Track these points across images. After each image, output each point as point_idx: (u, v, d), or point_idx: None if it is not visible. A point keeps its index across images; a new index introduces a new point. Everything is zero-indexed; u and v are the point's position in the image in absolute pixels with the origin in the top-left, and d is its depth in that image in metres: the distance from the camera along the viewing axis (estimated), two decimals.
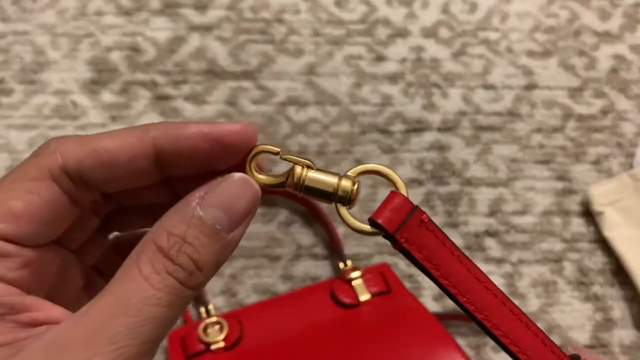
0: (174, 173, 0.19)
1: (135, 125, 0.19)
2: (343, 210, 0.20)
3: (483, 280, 0.19)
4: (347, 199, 0.20)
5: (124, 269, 0.17)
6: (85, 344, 0.15)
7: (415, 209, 0.19)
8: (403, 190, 0.20)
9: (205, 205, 0.17)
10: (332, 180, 0.20)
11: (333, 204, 0.20)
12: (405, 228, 0.19)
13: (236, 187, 0.18)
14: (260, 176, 0.20)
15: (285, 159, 0.21)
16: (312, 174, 0.20)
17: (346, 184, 0.20)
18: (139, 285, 0.16)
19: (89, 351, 0.15)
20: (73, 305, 0.18)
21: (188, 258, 0.17)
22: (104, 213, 0.21)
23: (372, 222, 0.20)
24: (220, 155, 0.19)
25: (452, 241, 0.19)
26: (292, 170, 0.20)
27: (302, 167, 0.20)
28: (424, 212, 0.19)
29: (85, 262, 0.21)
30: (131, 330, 0.16)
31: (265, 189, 0.21)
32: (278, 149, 0.21)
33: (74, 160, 0.17)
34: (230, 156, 0.19)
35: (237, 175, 0.19)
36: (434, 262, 0.19)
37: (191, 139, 0.18)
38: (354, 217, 0.20)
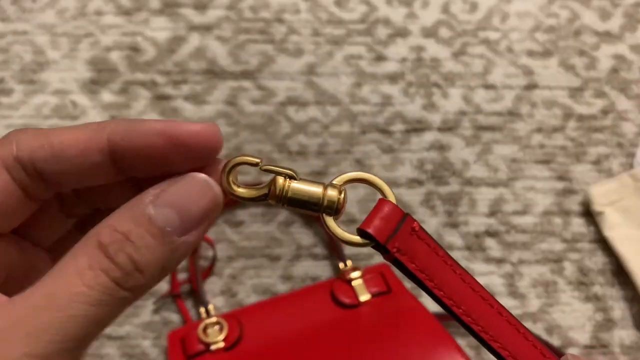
0: (134, 173, 0.18)
1: (88, 123, 0.18)
2: (330, 221, 0.19)
3: (478, 290, 0.18)
4: (334, 209, 0.19)
5: (61, 262, 0.16)
6: (3, 335, 0.15)
7: (405, 216, 0.19)
8: (391, 197, 0.19)
9: (158, 204, 0.16)
10: (317, 190, 0.19)
11: (319, 215, 0.19)
12: (396, 237, 0.18)
13: (194, 187, 0.17)
14: (240, 189, 0.19)
15: (266, 170, 0.19)
16: (296, 184, 0.19)
17: (332, 193, 0.19)
18: (70, 280, 0.15)
19: (6, 342, 0.15)
20: None
21: (127, 258, 0.16)
22: (77, 214, 0.21)
23: (361, 232, 0.19)
24: (178, 156, 0.17)
25: (444, 249, 0.18)
26: (273, 181, 0.19)
27: (285, 177, 0.19)
28: (415, 220, 0.19)
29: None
30: (54, 325, 0.15)
31: (246, 201, 0.19)
32: (257, 160, 0.19)
33: (27, 151, 0.17)
34: (191, 158, 0.18)
35: (197, 175, 0.17)
36: (428, 273, 0.18)
37: (145, 136, 0.17)
38: (342, 227, 0.19)
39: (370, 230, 0.18)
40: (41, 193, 0.18)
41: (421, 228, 0.18)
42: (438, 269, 0.18)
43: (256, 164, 0.19)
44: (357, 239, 0.19)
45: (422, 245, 0.18)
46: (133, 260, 0.16)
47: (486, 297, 0.18)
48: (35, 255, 0.20)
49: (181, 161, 0.17)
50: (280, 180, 0.19)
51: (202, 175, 0.17)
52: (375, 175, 0.20)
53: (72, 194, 0.20)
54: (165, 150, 0.17)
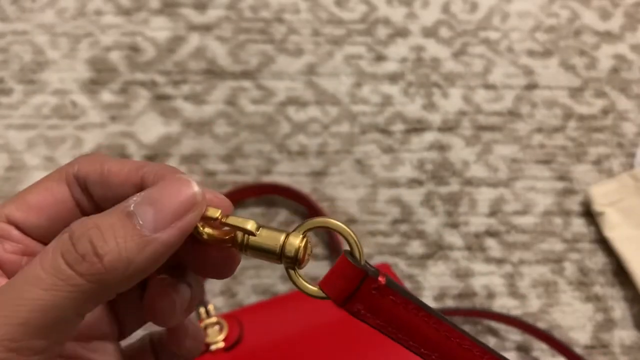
0: None
1: (131, 160, 0.20)
2: (292, 272, 0.18)
3: (455, 336, 0.18)
4: (295, 259, 0.18)
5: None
6: None
7: (365, 277, 0.17)
8: (357, 248, 0.18)
9: (139, 202, 0.17)
10: (276, 241, 0.18)
11: (282, 265, 0.19)
12: (357, 298, 0.17)
13: (172, 184, 0.17)
14: (207, 230, 0.19)
15: (226, 224, 0.18)
16: (254, 239, 0.18)
17: (292, 241, 0.18)
18: (32, 264, 0.16)
19: None
20: None
21: (87, 241, 0.15)
22: None
23: (321, 289, 0.18)
24: None
25: (416, 301, 0.18)
26: (234, 233, 0.19)
27: (243, 233, 0.18)
28: (380, 276, 0.17)
29: None
30: (9, 307, 0.15)
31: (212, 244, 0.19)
32: (217, 214, 0.18)
33: (84, 171, 0.19)
34: None
35: (178, 174, 0.18)
36: (395, 326, 0.17)
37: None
38: (305, 279, 0.19)
39: (326, 291, 0.18)
40: (92, 213, 0.19)
41: (387, 284, 0.17)
42: (407, 321, 0.18)
43: (215, 219, 0.18)
44: (319, 292, 0.18)
45: (386, 301, 0.17)
46: (93, 244, 0.15)
47: (465, 343, 0.18)
48: None
49: None
50: (239, 235, 0.18)
51: (183, 175, 0.18)
52: (340, 223, 0.18)
53: None
54: None
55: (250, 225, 0.19)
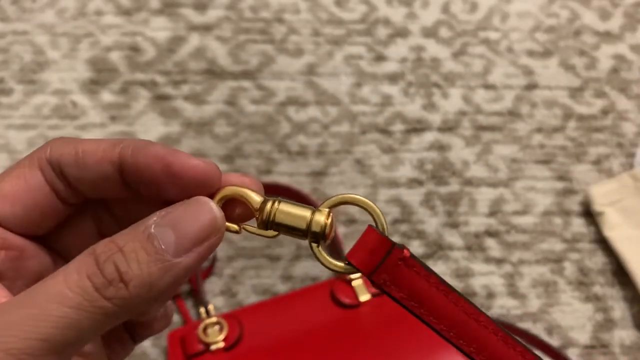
0: (142, 190, 0.19)
1: (109, 139, 0.19)
2: (315, 248, 0.19)
3: (472, 312, 0.18)
4: (321, 235, 0.19)
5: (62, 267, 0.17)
6: None
7: (392, 248, 0.18)
8: (381, 222, 0.19)
9: (159, 224, 0.17)
10: (304, 214, 0.19)
11: (307, 241, 0.19)
12: (383, 268, 0.18)
13: (193, 208, 0.17)
14: (238, 210, 0.19)
15: (248, 231, 0.19)
16: (283, 206, 0.19)
17: (319, 218, 0.19)
18: (55, 281, 0.16)
19: None
20: None
21: (114, 267, 0.16)
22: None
23: (347, 261, 0.19)
24: (173, 184, 0.18)
25: (437, 275, 0.18)
26: (262, 206, 0.19)
27: (272, 202, 0.19)
28: (404, 248, 0.18)
29: None
30: (28, 321, 0.15)
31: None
32: (236, 228, 0.19)
33: (57, 154, 0.18)
34: (185, 188, 0.18)
35: (200, 198, 0.18)
36: (417, 299, 0.18)
37: (147, 157, 0.18)
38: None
39: (354, 262, 0.18)
40: (70, 197, 0.19)
41: (411, 256, 0.18)
42: (428, 295, 0.18)
43: (237, 231, 0.19)
44: (344, 267, 0.19)
45: (410, 273, 0.18)
46: (119, 270, 0.16)
47: (482, 319, 0.18)
48: (55, 262, 0.20)
49: (175, 188, 0.18)
50: (269, 204, 0.19)
51: (204, 199, 0.18)
52: (364, 198, 0.19)
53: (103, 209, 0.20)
54: (161, 174, 0.18)
55: (269, 233, 0.19)
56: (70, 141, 0.19)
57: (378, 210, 0.19)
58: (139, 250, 0.16)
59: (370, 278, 0.18)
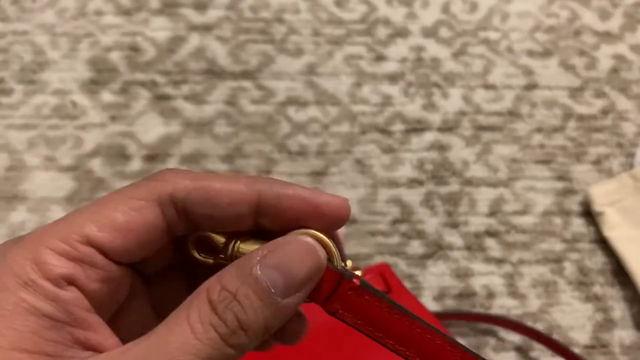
0: (267, 225, 0.19)
1: (239, 175, 0.19)
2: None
3: (429, 333, 0.19)
4: None
5: (175, 313, 0.17)
6: None
7: (341, 279, 0.19)
8: (333, 255, 0.20)
9: (264, 265, 0.17)
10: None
11: None
12: (334, 298, 0.19)
13: (299, 250, 0.18)
14: (200, 256, 0.20)
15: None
16: (243, 249, 0.19)
17: None
18: (182, 331, 0.16)
19: None
20: (133, 335, 0.17)
21: (234, 316, 0.16)
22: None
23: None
24: (314, 221, 0.19)
25: (389, 300, 0.19)
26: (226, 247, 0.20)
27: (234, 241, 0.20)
28: (354, 277, 0.19)
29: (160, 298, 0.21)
30: None
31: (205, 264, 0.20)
32: (222, 239, 0.20)
33: (184, 191, 0.18)
34: (319, 222, 0.19)
35: (303, 238, 0.18)
36: (371, 323, 0.19)
37: (293, 199, 0.19)
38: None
39: (309, 296, 0.19)
40: (181, 231, 0.19)
41: (361, 284, 0.19)
42: (382, 319, 0.19)
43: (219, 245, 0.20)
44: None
45: (362, 300, 0.19)
46: (239, 319, 0.16)
47: (437, 339, 0.19)
48: (138, 284, 0.20)
49: (314, 226, 0.19)
50: (230, 248, 0.19)
51: (308, 239, 0.18)
52: (320, 233, 0.19)
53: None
54: (305, 215, 0.19)
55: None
56: (193, 177, 0.18)
57: (330, 244, 0.19)
58: (251, 295, 0.16)
59: (324, 307, 0.19)
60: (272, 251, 0.17)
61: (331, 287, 0.19)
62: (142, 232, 0.17)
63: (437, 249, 0.49)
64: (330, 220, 0.19)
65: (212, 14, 0.57)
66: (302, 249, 0.18)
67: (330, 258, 0.20)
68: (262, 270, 0.17)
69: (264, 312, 0.17)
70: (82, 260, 0.16)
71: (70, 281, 0.16)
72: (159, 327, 0.16)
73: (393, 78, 0.55)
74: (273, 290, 0.17)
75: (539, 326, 0.46)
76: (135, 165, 0.50)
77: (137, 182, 0.18)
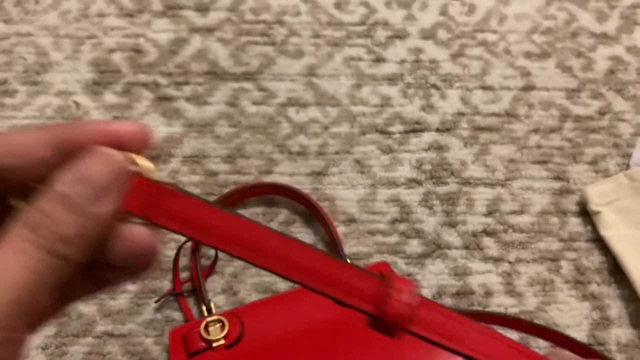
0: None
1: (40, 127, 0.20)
2: None
3: (254, 227, 0.20)
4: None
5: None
6: None
7: (156, 188, 0.20)
8: (149, 171, 0.20)
9: (66, 180, 0.18)
10: None
11: None
12: (152, 206, 0.19)
13: (95, 159, 0.19)
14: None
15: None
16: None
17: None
18: (4, 253, 0.17)
19: None
20: None
21: (49, 230, 0.18)
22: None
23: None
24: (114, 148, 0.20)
25: (205, 200, 0.20)
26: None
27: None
28: (169, 184, 0.20)
29: None
30: None
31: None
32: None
33: None
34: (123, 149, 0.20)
35: (98, 148, 0.19)
36: (194, 226, 0.19)
37: (91, 134, 0.20)
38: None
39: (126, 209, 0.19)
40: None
41: (177, 189, 0.20)
42: (206, 220, 0.20)
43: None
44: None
45: (181, 204, 0.20)
46: (55, 233, 0.18)
47: (258, 228, 0.20)
48: None
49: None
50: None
51: (102, 148, 0.19)
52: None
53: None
54: (108, 145, 0.20)
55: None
56: None
57: (138, 158, 0.20)
58: (61, 210, 0.18)
59: (145, 218, 0.19)
60: (72, 166, 0.18)
61: (147, 196, 0.19)
62: None
63: (435, 248, 0.49)
64: (135, 148, 0.20)
65: (214, 16, 0.57)
66: (97, 157, 0.19)
67: (145, 173, 0.20)
68: (65, 185, 0.18)
69: (77, 222, 0.18)
70: None
71: None
72: None
73: (392, 79, 0.56)
74: (80, 201, 0.18)
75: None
76: None
77: None
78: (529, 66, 0.57)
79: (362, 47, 0.57)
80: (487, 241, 0.50)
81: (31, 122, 0.52)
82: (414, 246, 0.49)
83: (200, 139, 0.52)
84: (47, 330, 0.45)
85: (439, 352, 0.39)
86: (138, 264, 0.20)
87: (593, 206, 0.50)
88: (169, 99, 0.53)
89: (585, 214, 0.51)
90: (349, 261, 0.46)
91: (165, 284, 0.47)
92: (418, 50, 0.57)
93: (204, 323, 0.41)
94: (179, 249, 0.46)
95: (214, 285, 0.47)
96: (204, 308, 0.44)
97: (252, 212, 0.50)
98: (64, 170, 0.18)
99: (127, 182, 0.19)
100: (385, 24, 0.58)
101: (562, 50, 0.58)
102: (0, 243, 0.18)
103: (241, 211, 0.50)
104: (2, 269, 0.17)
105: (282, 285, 0.47)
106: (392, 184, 0.51)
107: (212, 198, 0.49)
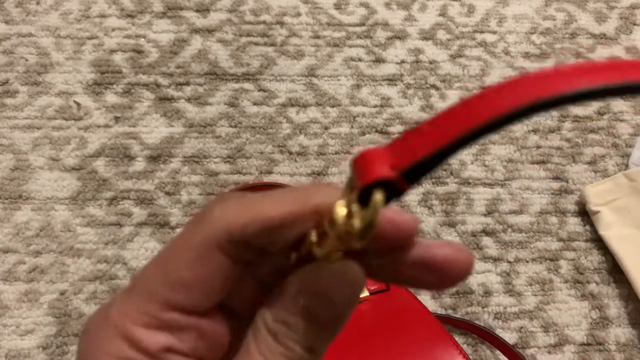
0: None
1: (291, 189, 0.17)
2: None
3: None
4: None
5: (244, 347, 0.17)
6: None
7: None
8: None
9: (304, 292, 0.17)
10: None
11: None
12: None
13: (335, 276, 0.17)
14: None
15: None
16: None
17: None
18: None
19: None
20: None
21: (294, 343, 0.17)
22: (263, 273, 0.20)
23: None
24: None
25: None
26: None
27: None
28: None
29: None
30: None
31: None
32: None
33: (238, 230, 0.16)
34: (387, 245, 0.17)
35: (341, 264, 0.17)
36: None
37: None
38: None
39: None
40: (247, 259, 0.18)
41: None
42: None
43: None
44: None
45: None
46: (300, 345, 0.17)
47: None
48: (236, 323, 0.19)
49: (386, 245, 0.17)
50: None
51: (345, 264, 0.17)
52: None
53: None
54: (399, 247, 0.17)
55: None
56: (244, 208, 0.16)
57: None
58: (299, 322, 0.16)
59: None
60: (310, 280, 0.17)
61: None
62: (212, 280, 0.16)
63: None
64: (395, 240, 0.17)
65: (214, 17, 0.57)
66: (338, 274, 0.17)
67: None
68: (307, 301, 0.16)
69: (322, 334, 0.17)
70: (169, 327, 0.16)
71: (167, 349, 0.16)
72: None
73: (392, 80, 0.56)
74: (321, 317, 0.16)
75: (535, 324, 0.47)
76: (139, 165, 0.51)
77: (190, 225, 0.17)
78: (528, 67, 0.57)
79: (361, 47, 0.57)
80: (486, 241, 0.50)
81: (32, 123, 0.52)
82: None
83: (200, 139, 0.52)
84: (48, 330, 0.45)
85: (441, 348, 0.39)
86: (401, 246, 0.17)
87: (592, 206, 0.50)
88: (169, 99, 0.54)
89: (584, 213, 0.51)
90: None
91: None
92: (418, 51, 0.57)
93: None
94: None
95: None
96: None
97: None
98: (295, 280, 0.17)
99: (360, 293, 0.17)
100: (385, 24, 0.58)
101: (561, 51, 0.58)
102: (248, 347, 0.17)
103: None
104: None
105: None
106: None
107: (212, 199, 0.49)
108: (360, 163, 0.16)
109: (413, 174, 0.15)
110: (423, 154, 0.15)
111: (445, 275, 0.17)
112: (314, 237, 0.16)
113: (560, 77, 0.13)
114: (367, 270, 0.17)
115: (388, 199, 0.15)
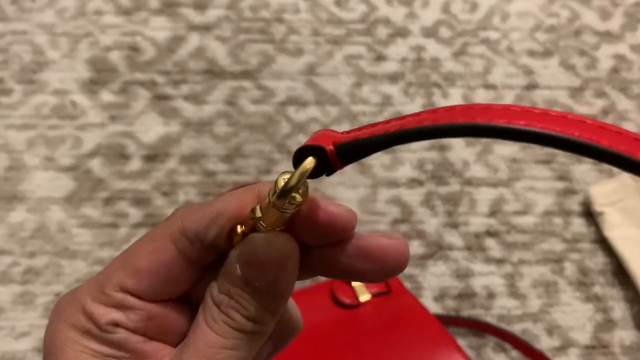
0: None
1: (235, 192, 0.19)
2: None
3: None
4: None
5: (196, 320, 0.19)
6: None
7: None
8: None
9: (241, 262, 0.18)
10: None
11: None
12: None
13: (262, 244, 0.18)
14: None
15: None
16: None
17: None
18: (205, 332, 0.18)
19: None
20: None
21: (236, 312, 0.18)
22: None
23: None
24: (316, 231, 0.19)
25: None
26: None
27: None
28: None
29: None
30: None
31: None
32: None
33: (192, 223, 0.19)
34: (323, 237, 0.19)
35: (267, 235, 0.19)
36: None
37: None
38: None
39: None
40: (205, 258, 0.20)
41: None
42: None
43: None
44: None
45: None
46: (242, 315, 0.18)
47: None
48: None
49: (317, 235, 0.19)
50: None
51: (276, 233, 0.19)
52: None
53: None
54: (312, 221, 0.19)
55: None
56: (200, 205, 0.19)
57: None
58: (240, 292, 0.18)
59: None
60: (244, 250, 0.18)
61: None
62: (164, 271, 0.19)
63: (437, 249, 0.49)
64: (328, 231, 0.19)
65: (212, 14, 0.57)
66: (264, 241, 0.18)
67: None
68: (243, 269, 0.18)
69: (261, 303, 0.18)
70: (120, 305, 0.19)
71: (116, 324, 0.19)
72: (188, 334, 0.19)
73: (393, 78, 0.55)
74: (257, 284, 0.18)
75: (539, 326, 0.46)
76: (135, 165, 0.50)
77: (155, 227, 0.20)
78: (532, 64, 0.56)
79: (362, 45, 0.56)
80: (490, 242, 0.49)
81: (27, 122, 0.51)
82: (416, 247, 0.48)
83: (198, 138, 0.51)
84: (43, 333, 0.44)
85: (442, 351, 0.38)
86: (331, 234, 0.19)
87: (597, 206, 0.49)
88: (166, 97, 0.53)
89: (589, 214, 0.50)
90: None
91: None
92: (419, 49, 0.56)
93: None
94: None
95: None
96: None
97: None
98: (234, 253, 0.18)
99: (294, 259, 0.18)
100: (386, 21, 0.57)
101: (565, 48, 0.57)
102: (198, 320, 0.19)
103: None
104: (204, 349, 0.18)
105: None
106: (393, 184, 0.51)
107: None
108: (314, 136, 0.18)
109: (347, 154, 0.18)
110: (356, 137, 0.17)
111: (382, 264, 0.18)
112: (258, 212, 0.18)
113: (484, 111, 0.15)
114: (310, 262, 0.19)
115: (322, 171, 0.18)
